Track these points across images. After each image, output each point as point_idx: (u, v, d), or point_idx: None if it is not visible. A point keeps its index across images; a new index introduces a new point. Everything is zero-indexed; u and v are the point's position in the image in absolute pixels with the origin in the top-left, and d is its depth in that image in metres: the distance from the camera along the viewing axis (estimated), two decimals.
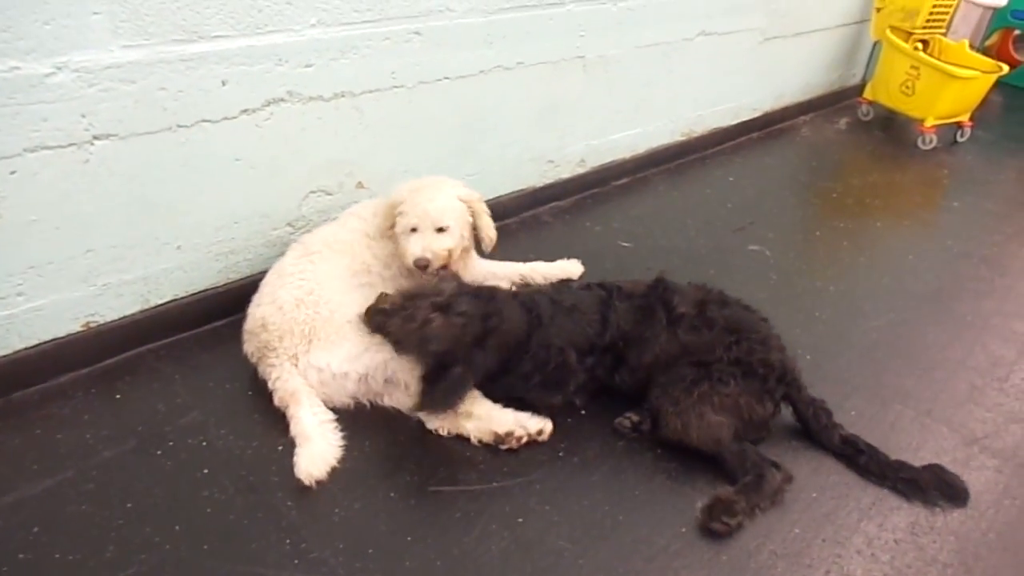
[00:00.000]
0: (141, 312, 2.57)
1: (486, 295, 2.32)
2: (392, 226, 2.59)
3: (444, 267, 2.61)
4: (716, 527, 2.03)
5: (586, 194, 3.93)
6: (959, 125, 5.12)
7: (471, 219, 2.66)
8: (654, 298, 2.39)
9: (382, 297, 2.35)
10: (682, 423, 2.21)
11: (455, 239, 2.59)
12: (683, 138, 4.41)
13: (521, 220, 3.65)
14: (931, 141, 4.98)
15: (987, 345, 2.96)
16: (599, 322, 2.36)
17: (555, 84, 3.49)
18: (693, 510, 2.11)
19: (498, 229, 3.46)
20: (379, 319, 2.27)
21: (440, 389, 2.20)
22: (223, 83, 2.43)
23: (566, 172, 3.80)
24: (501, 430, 2.26)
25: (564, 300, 2.40)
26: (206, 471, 2.15)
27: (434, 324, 2.16)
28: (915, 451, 2.38)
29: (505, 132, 3.40)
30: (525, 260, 3.15)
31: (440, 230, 2.55)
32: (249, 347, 2.43)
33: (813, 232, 3.84)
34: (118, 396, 2.40)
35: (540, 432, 2.30)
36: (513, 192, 3.60)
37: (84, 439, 2.23)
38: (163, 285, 2.59)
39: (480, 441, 2.29)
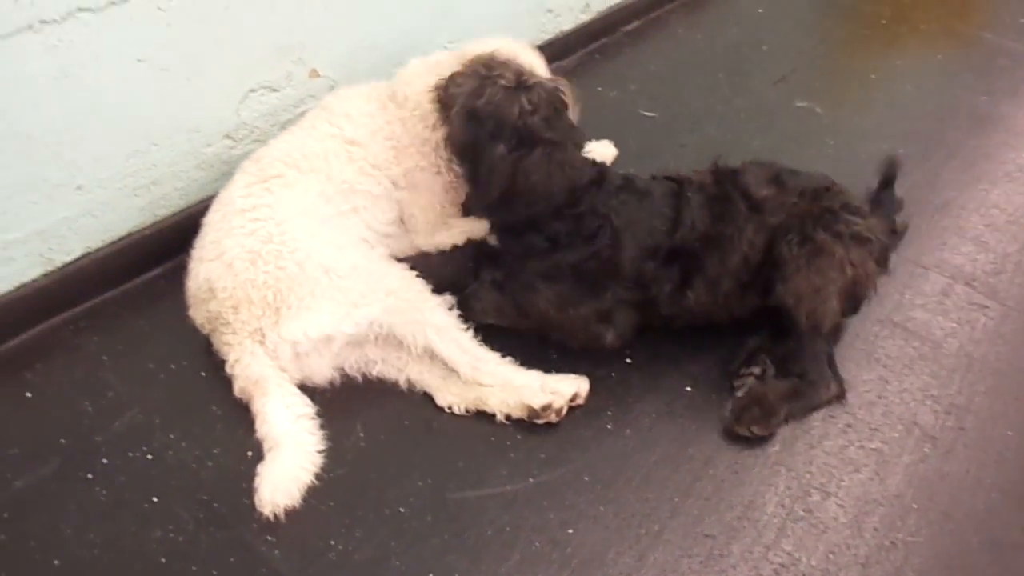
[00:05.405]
0: (44, 276, 1.94)
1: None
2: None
3: None
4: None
5: (592, 47, 3.19)
6: None
7: None
8: (728, 185, 1.88)
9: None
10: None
11: None
12: None
13: None
14: None
15: None
16: (671, 218, 1.85)
17: None
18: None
19: None
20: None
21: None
22: None
23: (568, 22, 3.05)
24: (535, 402, 1.78)
25: (636, 184, 1.91)
26: (155, 499, 1.63)
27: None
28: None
29: None
30: None
31: None
32: (197, 315, 1.85)
33: (868, 76, 3.18)
34: (28, 395, 1.83)
35: (576, 397, 1.84)
36: None
37: None
38: (68, 238, 1.94)
39: (508, 418, 1.80)
